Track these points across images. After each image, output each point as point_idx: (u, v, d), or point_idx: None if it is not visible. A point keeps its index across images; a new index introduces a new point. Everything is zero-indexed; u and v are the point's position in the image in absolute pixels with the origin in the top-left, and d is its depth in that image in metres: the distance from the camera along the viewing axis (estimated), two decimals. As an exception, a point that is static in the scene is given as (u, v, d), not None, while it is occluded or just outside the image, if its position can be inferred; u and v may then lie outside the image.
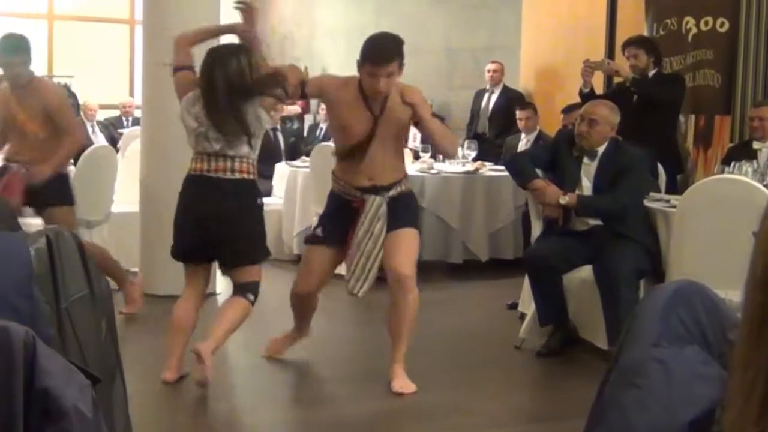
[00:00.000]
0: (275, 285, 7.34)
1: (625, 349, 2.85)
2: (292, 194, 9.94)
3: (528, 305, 7.05)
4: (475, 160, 10.01)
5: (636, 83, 8.23)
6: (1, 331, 2.33)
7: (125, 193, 8.83)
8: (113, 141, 12.70)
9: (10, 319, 2.42)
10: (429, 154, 10.12)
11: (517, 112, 10.49)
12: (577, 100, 8.44)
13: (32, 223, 7.41)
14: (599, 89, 9.12)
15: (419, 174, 9.58)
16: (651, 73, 8.38)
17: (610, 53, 10.36)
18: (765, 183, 6.44)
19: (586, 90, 8.26)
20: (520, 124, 10.38)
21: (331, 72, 15.09)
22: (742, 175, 6.49)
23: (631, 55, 8.41)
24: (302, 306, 6.37)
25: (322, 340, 6.88)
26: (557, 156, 6.83)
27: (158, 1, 8.19)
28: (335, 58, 15.03)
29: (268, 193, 10.54)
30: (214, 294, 8.12)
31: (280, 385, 6.12)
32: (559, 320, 6.69)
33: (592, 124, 6.64)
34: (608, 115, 6.68)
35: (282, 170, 10.37)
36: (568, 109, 9.18)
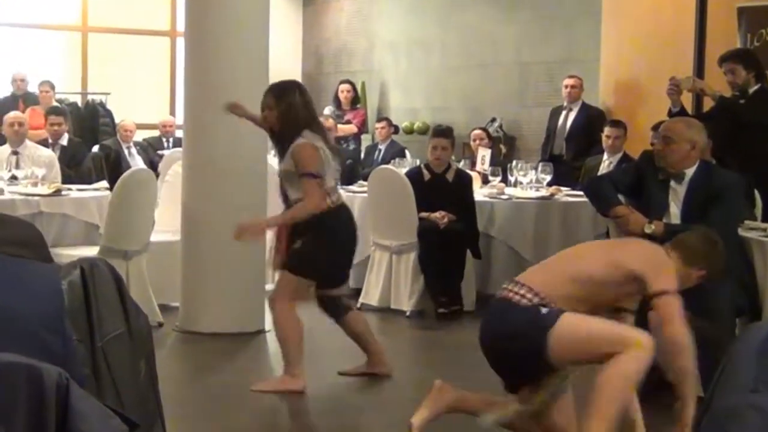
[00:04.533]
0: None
1: (719, 393, 2.83)
2: (348, 222, 9.92)
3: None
4: (550, 184, 9.96)
5: (722, 103, 8.12)
6: (33, 372, 2.35)
7: (165, 220, 8.87)
8: (152, 164, 12.77)
9: (41, 358, 2.43)
10: (499, 178, 10.09)
11: (607, 129, 10.37)
12: (665, 118, 8.35)
13: (65, 254, 7.48)
14: (688, 109, 8.99)
15: (488, 200, 9.55)
16: (752, 89, 8.22)
17: (699, 66, 10.29)
18: None
19: (676, 110, 8.15)
20: (607, 142, 10.27)
21: (391, 88, 15.25)
22: None
23: (728, 71, 8.27)
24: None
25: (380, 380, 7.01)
26: (641, 180, 6.76)
27: (202, 10, 8.18)
28: (396, 73, 15.02)
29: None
30: (263, 331, 8.13)
31: (330, 425, 6.11)
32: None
33: (667, 142, 6.56)
34: (684, 131, 6.59)
35: (337, 196, 10.35)
36: (657, 127, 9.06)
